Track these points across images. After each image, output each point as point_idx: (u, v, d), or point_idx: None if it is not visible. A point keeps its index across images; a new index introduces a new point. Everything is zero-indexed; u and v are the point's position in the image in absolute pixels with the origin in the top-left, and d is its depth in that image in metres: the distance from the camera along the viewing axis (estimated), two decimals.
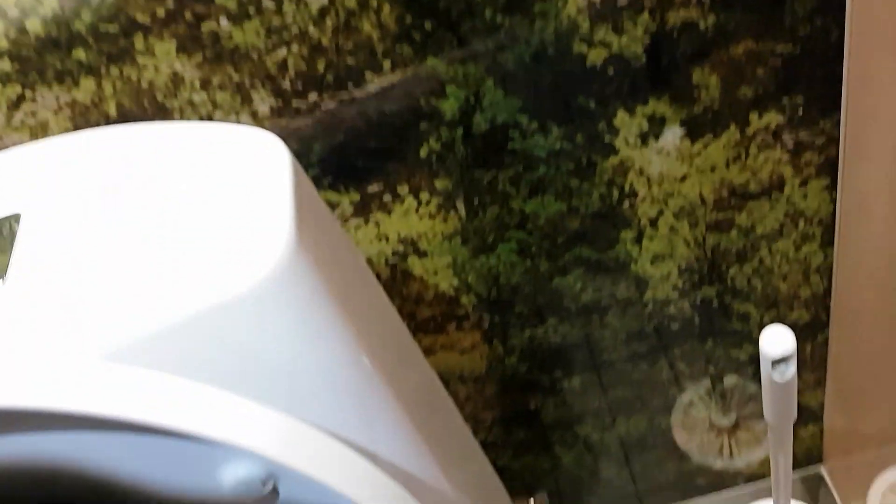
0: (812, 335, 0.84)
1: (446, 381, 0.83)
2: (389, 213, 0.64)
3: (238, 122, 0.56)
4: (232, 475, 0.36)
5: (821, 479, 1.08)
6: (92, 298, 0.35)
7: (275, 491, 0.37)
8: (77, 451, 0.34)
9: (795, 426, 0.97)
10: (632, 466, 1.01)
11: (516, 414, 0.90)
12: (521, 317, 0.77)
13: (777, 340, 0.58)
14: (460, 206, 0.64)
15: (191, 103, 0.56)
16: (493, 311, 0.76)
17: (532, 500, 1.09)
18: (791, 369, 0.61)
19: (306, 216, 0.39)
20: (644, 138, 0.61)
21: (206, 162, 0.41)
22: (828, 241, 0.73)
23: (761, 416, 0.96)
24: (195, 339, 0.35)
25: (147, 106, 0.56)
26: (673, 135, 0.61)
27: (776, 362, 0.60)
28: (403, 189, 0.62)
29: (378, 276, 0.69)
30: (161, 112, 0.56)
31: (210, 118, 0.56)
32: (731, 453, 1.02)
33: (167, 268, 0.36)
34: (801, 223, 0.71)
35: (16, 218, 0.40)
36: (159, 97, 0.55)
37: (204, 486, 0.36)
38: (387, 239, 0.66)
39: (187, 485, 0.37)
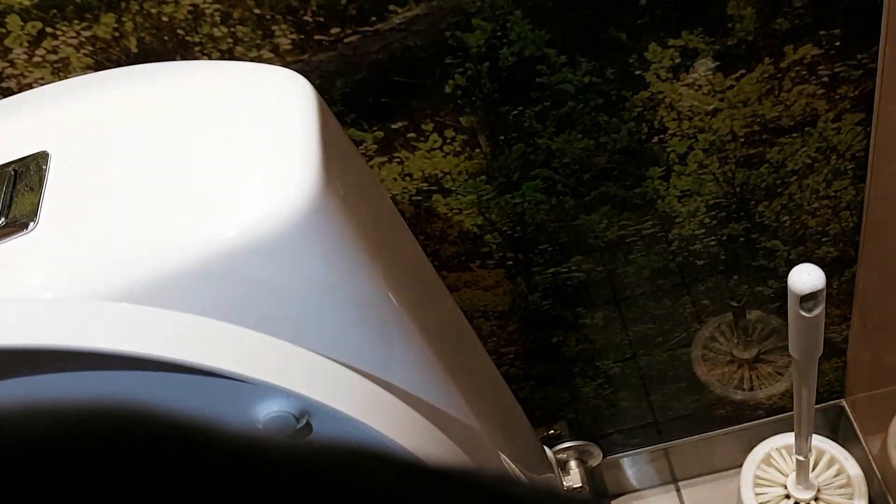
0: (839, 271, 0.83)
1: (470, 316, 0.84)
2: (414, 150, 0.63)
3: (259, 56, 0.55)
4: (266, 411, 0.37)
5: (842, 411, 1.09)
6: (124, 240, 0.35)
7: (308, 426, 0.38)
8: (107, 391, 0.35)
9: (819, 360, 0.98)
10: (651, 398, 1.03)
11: (538, 348, 0.91)
12: (546, 254, 0.77)
13: (806, 277, 0.58)
14: (485, 143, 0.64)
15: (211, 38, 0.55)
16: (518, 249, 0.76)
17: (552, 429, 1.11)
18: (819, 306, 0.61)
19: (333, 155, 0.39)
20: (675, 72, 0.60)
21: (232, 102, 0.41)
22: (860, 177, 0.71)
23: (783, 350, 0.97)
24: (226, 279, 0.36)
25: (168, 41, 0.55)
26: (705, 68, 0.59)
27: (804, 298, 0.60)
28: (428, 126, 0.61)
29: (402, 214, 0.69)
30: (182, 47, 0.55)
31: (231, 53, 0.55)
32: (751, 386, 1.03)
33: (197, 208, 0.36)
34: (833, 158, 0.69)
35: (43, 156, 0.40)
36: (180, 32, 0.54)
37: (239, 422, 0.37)
38: (411, 177, 0.66)
39: (223, 422, 0.38)
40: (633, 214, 0.73)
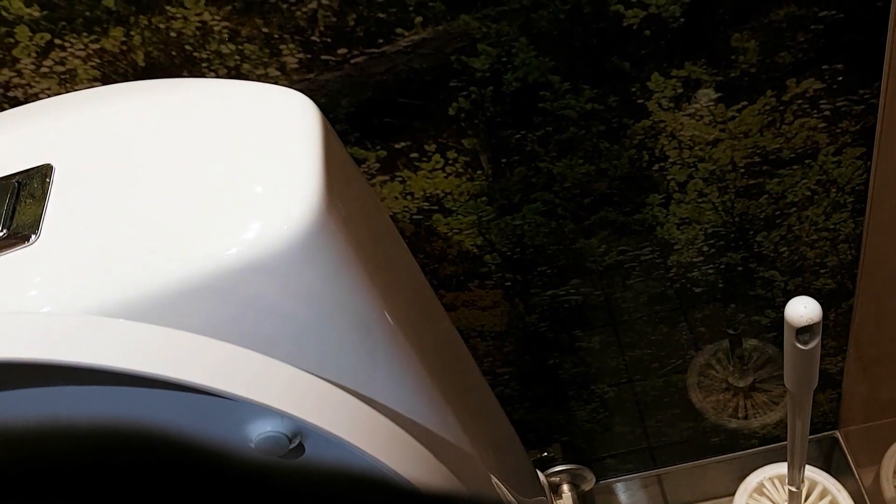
0: (837, 303, 0.83)
1: (467, 336, 0.84)
2: (416, 170, 0.64)
3: (266, 74, 0.56)
4: (258, 431, 0.37)
5: (836, 442, 1.09)
6: (124, 255, 0.35)
7: (300, 447, 0.38)
8: (106, 407, 0.35)
9: (816, 391, 0.97)
10: (646, 424, 1.02)
11: (534, 370, 0.91)
12: (544, 276, 0.77)
13: (803, 309, 0.58)
14: (487, 165, 0.64)
15: (219, 55, 0.55)
16: (516, 270, 0.76)
17: (546, 451, 1.11)
18: (815, 338, 0.61)
19: (336, 175, 0.39)
20: (677, 101, 0.60)
21: (237, 120, 0.41)
22: (859, 211, 0.72)
23: (779, 379, 0.97)
24: (225, 297, 0.36)
25: (175, 56, 0.56)
26: (707, 98, 0.60)
27: (801, 331, 0.60)
28: (431, 147, 0.62)
29: (402, 233, 0.69)
30: (189, 63, 0.56)
31: (237, 70, 0.56)
32: (746, 415, 1.03)
33: (199, 225, 0.36)
34: (833, 191, 0.69)
35: (47, 168, 0.41)
36: (188, 48, 0.55)
37: (231, 441, 0.37)
38: (412, 196, 0.66)
39: (214, 439, 0.38)
40: (631, 240, 0.74)
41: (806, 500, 1.02)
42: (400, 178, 0.64)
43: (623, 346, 0.89)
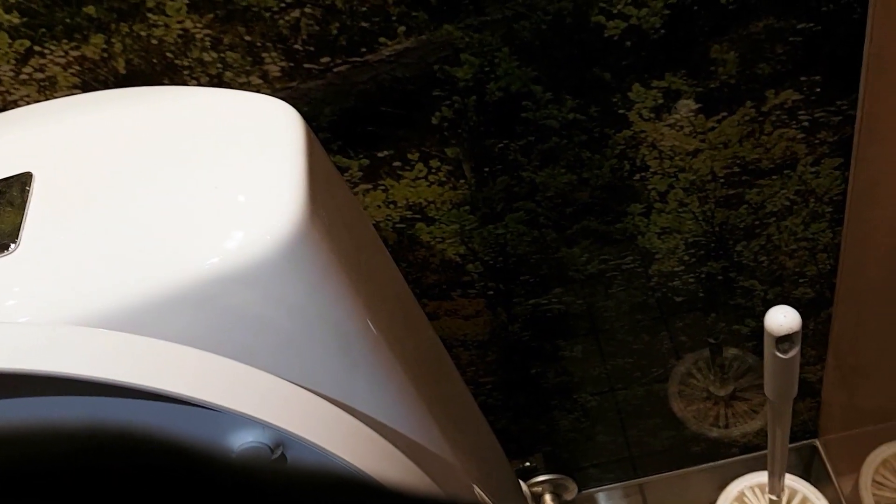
0: (815, 312, 0.84)
1: (449, 345, 0.84)
2: (398, 179, 0.64)
3: (248, 82, 0.56)
4: (240, 441, 0.36)
5: (815, 451, 1.10)
6: (103, 264, 0.35)
7: (283, 457, 0.37)
8: (93, 412, 0.34)
9: (796, 399, 0.98)
10: (627, 433, 1.03)
11: (516, 379, 0.91)
12: (527, 285, 0.78)
13: (783, 318, 0.58)
14: (470, 174, 0.64)
15: (201, 62, 0.55)
16: (499, 279, 0.76)
17: (528, 461, 1.11)
18: (795, 347, 0.61)
19: (319, 184, 0.39)
20: (658, 112, 0.61)
21: (219, 129, 0.41)
22: (837, 221, 0.73)
23: (759, 388, 0.97)
24: (206, 306, 0.35)
25: (156, 63, 0.55)
26: (687, 109, 0.61)
27: (780, 340, 0.60)
28: (414, 156, 0.62)
29: (385, 241, 0.69)
30: (170, 70, 0.55)
31: (220, 78, 0.56)
32: (726, 424, 1.03)
33: (179, 235, 0.36)
34: (812, 201, 0.70)
35: (27, 177, 0.40)
36: (169, 55, 0.55)
37: (214, 451, 0.37)
38: (395, 204, 0.66)
39: (200, 446, 0.37)
40: (613, 249, 0.74)
41: None
42: (383, 187, 0.64)
43: (605, 355, 0.89)
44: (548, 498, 1.10)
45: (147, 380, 0.31)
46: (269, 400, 0.34)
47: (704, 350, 0.90)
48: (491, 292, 0.78)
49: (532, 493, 1.11)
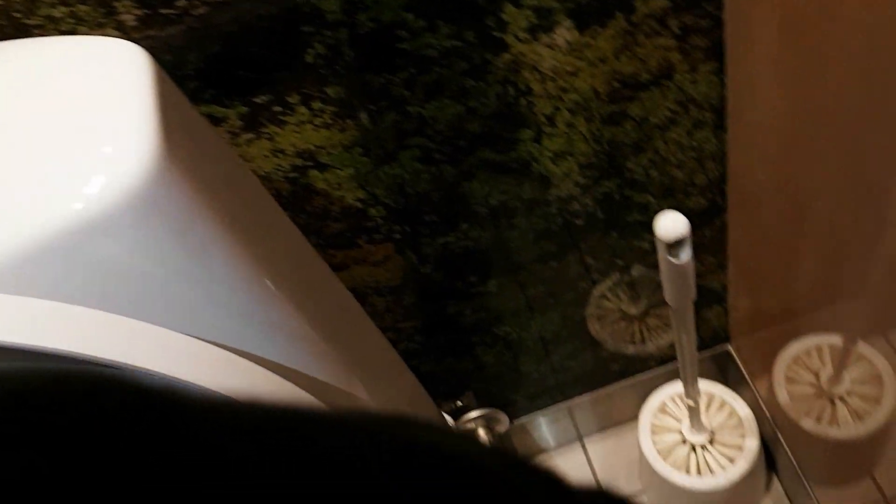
0: (710, 219, 0.87)
1: (363, 294, 0.84)
2: (282, 125, 0.62)
3: (105, 35, 0.53)
4: None
5: (728, 356, 1.15)
6: None
7: None
8: None
9: (701, 308, 1.02)
10: (551, 359, 1.05)
11: (436, 320, 0.92)
12: (432, 225, 0.78)
13: (671, 224, 0.60)
14: (357, 113, 0.63)
15: (51, 19, 0.52)
16: (403, 221, 0.76)
17: (459, 401, 1.13)
18: (686, 252, 0.63)
19: (174, 127, 0.38)
20: (533, 32, 0.61)
21: (63, 75, 0.39)
22: (720, 127, 0.75)
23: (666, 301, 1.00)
24: (67, 259, 0.34)
25: (5, 25, 0.52)
26: (561, 27, 0.61)
27: (672, 245, 0.62)
28: (294, 98, 0.60)
29: (279, 193, 0.68)
30: (21, 31, 0.52)
31: (74, 34, 0.53)
32: (642, 339, 1.07)
33: (29, 187, 0.34)
34: (693, 110, 0.72)
35: None
36: (16, 15, 0.51)
37: None
38: (283, 153, 0.64)
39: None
40: (511, 178, 0.75)
41: (707, 412, 1.08)
42: (267, 135, 0.62)
43: (519, 286, 0.90)
44: (481, 433, 1.12)
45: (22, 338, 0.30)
46: (141, 346, 0.33)
47: (613, 271, 0.93)
48: (397, 235, 0.77)
49: (466, 431, 1.13)
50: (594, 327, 1.02)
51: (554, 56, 0.63)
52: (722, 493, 1.01)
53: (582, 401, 1.14)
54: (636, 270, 0.93)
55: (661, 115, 0.72)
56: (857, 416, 1.03)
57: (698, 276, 0.97)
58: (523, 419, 1.17)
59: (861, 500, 1.10)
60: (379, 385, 0.71)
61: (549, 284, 0.91)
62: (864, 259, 0.95)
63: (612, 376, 1.12)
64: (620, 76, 0.67)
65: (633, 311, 1.01)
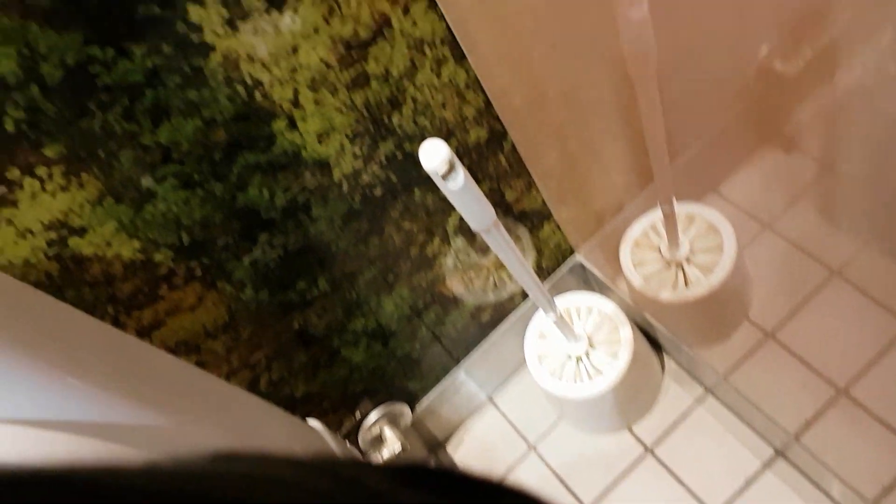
0: (499, 146, 0.90)
1: (194, 344, 0.80)
2: (15, 204, 0.58)
3: None
4: None
5: (581, 266, 1.19)
6: None
7: None
8: None
9: (538, 230, 1.05)
10: (421, 333, 1.05)
11: (286, 340, 0.90)
12: (229, 248, 0.75)
13: (432, 152, 0.61)
14: (89, 164, 0.60)
15: None
16: (196, 255, 0.73)
17: (356, 413, 1.11)
18: (459, 175, 0.64)
19: None
20: (231, 24, 0.60)
21: None
22: (461, 57, 0.77)
23: None
24: None
25: None
26: (255, 10, 0.60)
27: (444, 174, 0.63)
28: (13, 174, 0.57)
29: (49, 276, 0.64)
30: None
31: None
32: (495, 282, 1.09)
33: None
34: (428, 50, 0.74)
35: None
36: None
37: None
38: (32, 233, 0.61)
39: None
40: (287, 173, 0.74)
41: (580, 320, 1.11)
42: (6, 220, 0.59)
43: (350, 275, 0.89)
44: (387, 431, 1.11)
45: None
46: None
47: (434, 226, 0.93)
48: (198, 272, 0.75)
49: (372, 437, 1.12)
50: (447, 287, 1.02)
51: (264, 41, 0.63)
52: (618, 388, 1.05)
53: (471, 361, 1.15)
54: (456, 218, 0.95)
55: (400, 65, 0.73)
56: (708, 269, 1.09)
57: (517, 201, 1.00)
58: (425, 402, 1.16)
59: (747, 343, 1.17)
60: (231, 426, 0.68)
61: (381, 262, 0.91)
62: (629, 131, 1.00)
63: (487, 326, 1.13)
64: (342, 39, 0.67)
65: (473, 257, 1.02)
